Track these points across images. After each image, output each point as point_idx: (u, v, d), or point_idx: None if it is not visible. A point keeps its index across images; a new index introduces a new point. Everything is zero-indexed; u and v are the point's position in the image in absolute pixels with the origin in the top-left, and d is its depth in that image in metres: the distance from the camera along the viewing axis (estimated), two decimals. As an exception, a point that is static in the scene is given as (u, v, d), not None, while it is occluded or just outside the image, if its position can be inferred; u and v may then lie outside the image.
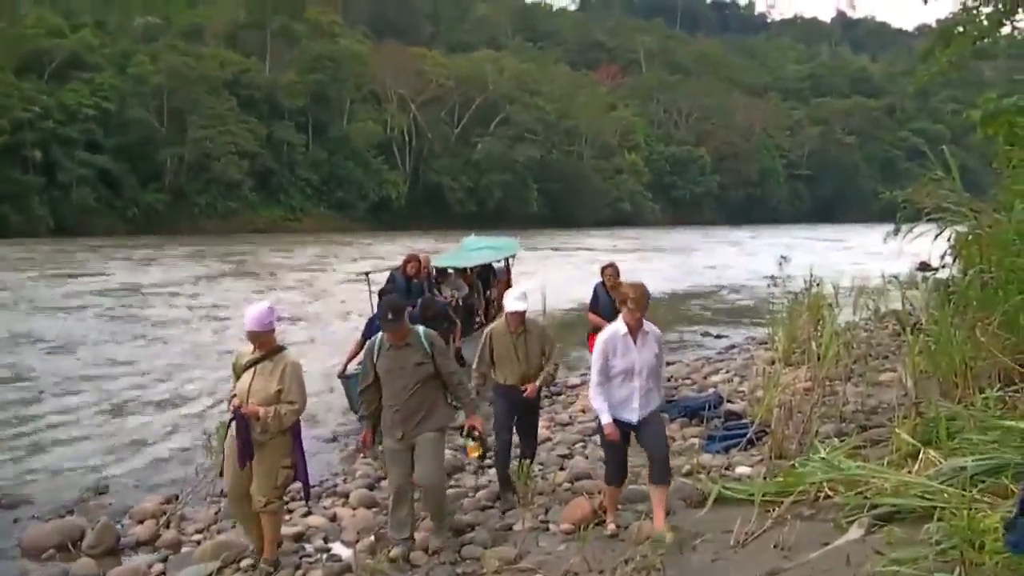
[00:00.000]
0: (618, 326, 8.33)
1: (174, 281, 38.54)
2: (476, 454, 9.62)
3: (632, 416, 8.30)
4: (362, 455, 13.15)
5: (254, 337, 8.20)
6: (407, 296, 15.98)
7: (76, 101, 76.61)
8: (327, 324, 26.66)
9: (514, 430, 10.37)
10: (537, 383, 10.19)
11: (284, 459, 8.37)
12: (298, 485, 8.98)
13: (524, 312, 10.12)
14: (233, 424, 8.14)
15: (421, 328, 8.89)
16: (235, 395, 8.19)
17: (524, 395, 10.06)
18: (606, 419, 8.21)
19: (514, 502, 10.05)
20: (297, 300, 32.29)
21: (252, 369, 8.22)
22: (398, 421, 8.59)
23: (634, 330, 8.27)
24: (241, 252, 55.27)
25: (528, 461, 10.49)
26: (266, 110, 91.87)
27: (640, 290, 8.28)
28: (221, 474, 8.79)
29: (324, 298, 32.96)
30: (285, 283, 39.07)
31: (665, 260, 56.15)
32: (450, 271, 19.77)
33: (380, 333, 8.82)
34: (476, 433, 9.10)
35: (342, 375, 14.85)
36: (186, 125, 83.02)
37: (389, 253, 42.47)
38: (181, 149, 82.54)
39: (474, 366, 10.39)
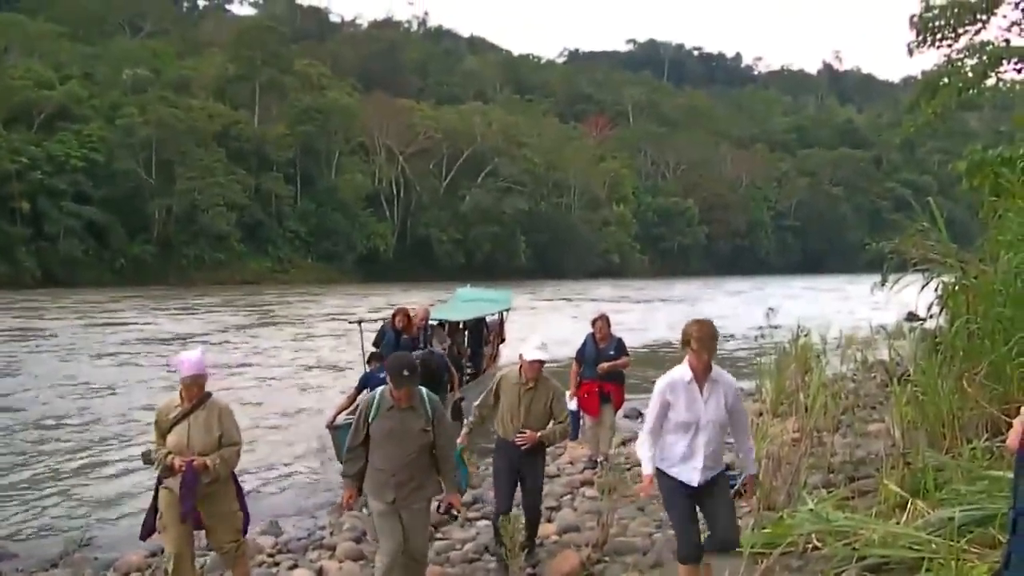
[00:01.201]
0: (682, 371, 7.22)
1: (179, 332, 38.45)
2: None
3: (693, 477, 7.21)
4: (348, 509, 13.12)
5: (193, 382, 8.07)
6: (395, 350, 16.00)
7: (64, 152, 76.80)
8: (326, 373, 26.59)
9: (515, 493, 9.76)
10: (538, 435, 9.41)
11: (234, 503, 8.37)
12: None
13: (543, 363, 9.54)
14: (175, 481, 8.04)
15: (424, 390, 8.21)
16: (168, 452, 7.99)
17: (520, 443, 9.34)
18: (647, 469, 7.28)
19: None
20: (318, 347, 32.26)
21: (184, 422, 8.09)
22: (392, 486, 7.94)
23: (700, 376, 7.14)
24: (260, 303, 55.20)
25: (526, 533, 9.58)
26: (255, 162, 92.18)
27: (706, 328, 7.16)
28: (146, 536, 8.55)
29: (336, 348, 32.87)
30: (314, 331, 38.99)
31: (665, 310, 56.25)
32: (435, 324, 19.75)
33: (379, 389, 8.16)
34: (454, 512, 8.79)
35: (331, 426, 14.84)
36: (174, 177, 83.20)
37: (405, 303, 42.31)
38: (169, 200, 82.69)
39: (475, 404, 10.02)
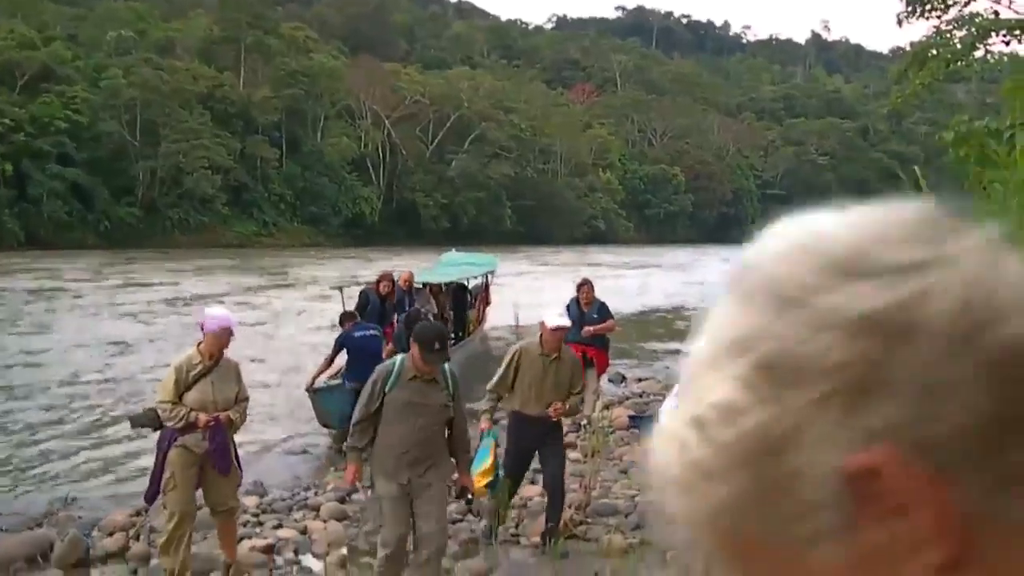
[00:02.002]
0: None
1: (173, 296, 38.37)
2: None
3: None
4: (334, 468, 13.18)
5: (224, 334, 8.22)
6: (381, 316, 16.00)
7: (48, 114, 76.24)
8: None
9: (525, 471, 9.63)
10: (565, 406, 9.09)
11: (235, 460, 8.55)
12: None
13: (566, 331, 9.30)
14: (194, 439, 8.11)
15: (447, 364, 7.70)
16: (191, 409, 8.06)
17: (549, 414, 9.00)
18: None
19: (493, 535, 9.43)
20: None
21: (208, 378, 8.20)
22: (405, 465, 7.46)
23: None
24: (246, 267, 55.06)
25: (552, 524, 9.17)
26: (240, 125, 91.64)
27: None
28: (151, 498, 8.64)
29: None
30: (298, 295, 38.91)
31: (659, 276, 56.39)
32: (420, 286, 19.73)
33: (398, 357, 7.74)
34: (468, 496, 8.47)
35: (310, 389, 14.88)
36: (159, 139, 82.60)
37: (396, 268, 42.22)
38: (154, 163, 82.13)
39: (491, 385, 9.39)
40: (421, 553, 7.60)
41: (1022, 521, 0.59)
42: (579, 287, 14.59)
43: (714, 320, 0.69)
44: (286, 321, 30.70)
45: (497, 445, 9.16)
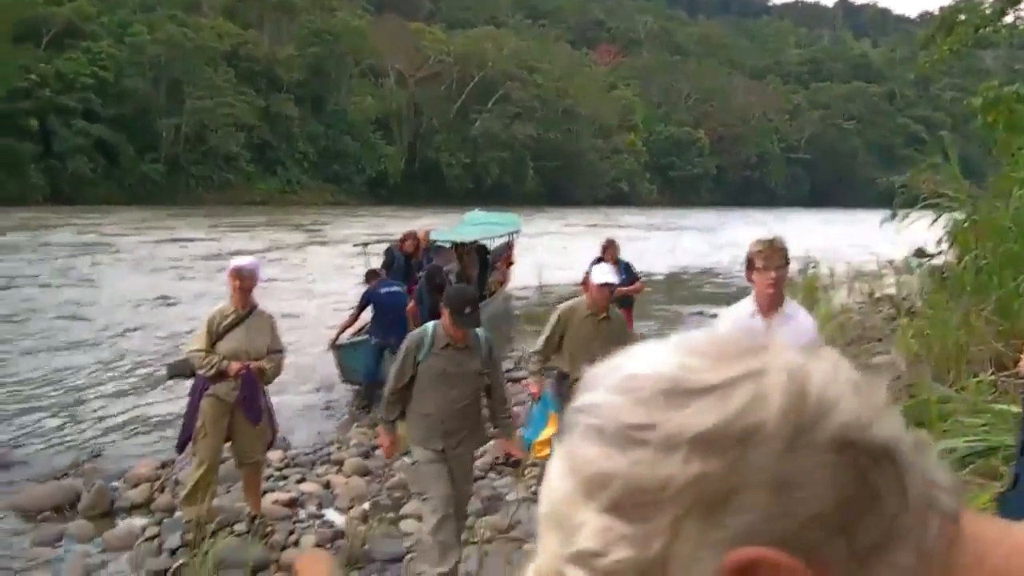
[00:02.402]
0: (745, 304, 6.13)
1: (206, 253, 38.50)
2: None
3: None
4: (357, 424, 13.27)
5: (251, 276, 8.36)
6: (405, 273, 16.03)
7: (73, 70, 76.20)
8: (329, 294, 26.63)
9: None
10: None
11: (267, 416, 8.65)
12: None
13: (614, 288, 8.88)
14: (225, 388, 8.21)
15: (480, 330, 7.35)
16: (223, 357, 8.19)
17: None
18: None
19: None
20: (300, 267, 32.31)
21: (240, 327, 8.30)
22: (439, 435, 7.18)
23: (767, 308, 5.94)
24: (273, 224, 55.15)
25: None
26: (264, 83, 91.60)
27: (774, 245, 5.92)
28: (182, 446, 8.75)
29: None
30: (324, 253, 39.01)
31: (686, 237, 56.24)
32: (444, 245, 19.74)
33: (429, 325, 7.34)
34: (512, 460, 8.24)
35: (334, 345, 14.96)
36: (183, 96, 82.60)
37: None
38: (178, 120, 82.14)
39: (536, 347, 8.99)
40: (459, 506, 7.47)
41: None
42: (604, 247, 14.52)
43: (570, 457, 0.70)
44: (317, 277, 30.76)
45: (554, 408, 8.53)
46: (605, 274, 8.73)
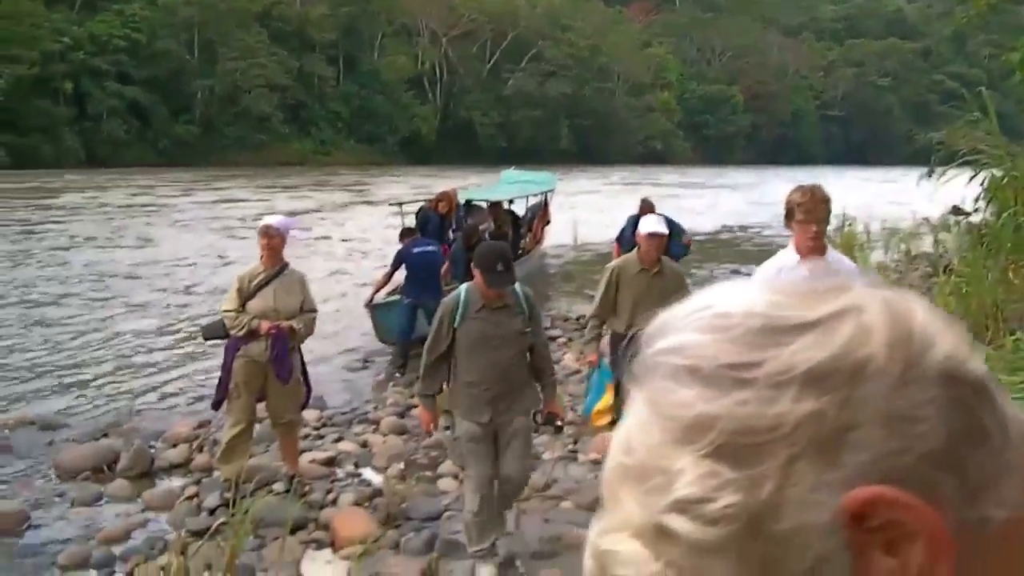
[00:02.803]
0: (786, 255, 5.82)
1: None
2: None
3: None
4: (393, 383, 13.32)
5: (278, 233, 8.37)
6: (440, 234, 16.02)
7: (106, 32, 76.41)
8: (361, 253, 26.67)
9: None
10: None
11: (299, 374, 8.68)
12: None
13: (665, 237, 8.45)
14: (258, 347, 8.26)
15: (519, 286, 6.87)
16: (253, 316, 8.23)
17: None
18: None
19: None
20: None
21: (269, 286, 8.33)
22: (486, 402, 6.69)
23: (809, 259, 5.57)
24: (306, 184, 55.29)
25: None
26: (296, 43, 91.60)
27: (816, 193, 5.61)
28: (217, 405, 8.80)
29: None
30: (358, 213, 39.09)
31: (725, 195, 56.00)
32: (480, 204, 19.71)
33: (463, 287, 6.88)
34: (558, 422, 7.70)
35: (369, 304, 14.99)
36: (216, 57, 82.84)
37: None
38: (211, 81, 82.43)
39: (592, 310, 8.71)
40: (502, 488, 6.97)
41: (995, 527, 0.60)
42: (641, 208, 14.28)
43: (657, 402, 0.68)
44: (354, 236, 30.81)
45: (615, 382, 8.24)
46: (654, 224, 8.34)
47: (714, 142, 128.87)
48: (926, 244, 18.36)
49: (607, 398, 8.11)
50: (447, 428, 7.58)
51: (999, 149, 12.90)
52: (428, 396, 7.07)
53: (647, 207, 14.10)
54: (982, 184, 13.75)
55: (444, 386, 7.19)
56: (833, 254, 5.66)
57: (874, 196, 40.40)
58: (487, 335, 6.61)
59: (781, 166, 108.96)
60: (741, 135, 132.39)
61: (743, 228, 38.73)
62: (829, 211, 5.61)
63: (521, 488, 7.25)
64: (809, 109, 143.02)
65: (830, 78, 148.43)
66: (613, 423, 7.51)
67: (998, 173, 13.12)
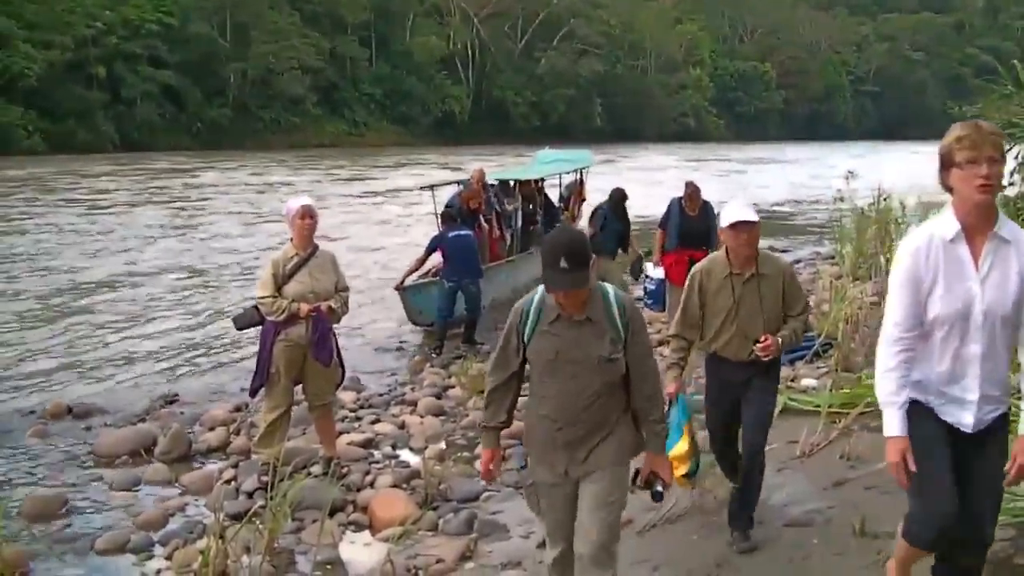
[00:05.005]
0: (942, 224, 4.20)
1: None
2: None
3: (963, 416, 4.27)
4: (430, 364, 13.32)
5: (307, 223, 8.34)
6: (472, 226, 15.88)
7: (139, 16, 76.39)
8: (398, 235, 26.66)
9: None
10: (779, 336, 6.08)
11: (336, 356, 8.67)
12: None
13: (757, 227, 6.10)
14: (298, 330, 8.27)
15: (611, 289, 4.95)
16: (292, 300, 8.20)
17: (761, 352, 6.00)
18: (893, 428, 4.20)
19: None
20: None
21: (305, 269, 8.33)
22: (559, 446, 4.90)
23: (975, 229, 4.12)
24: (338, 165, 55.36)
25: (740, 494, 6.43)
26: (328, 24, 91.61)
27: (983, 129, 4.06)
28: (255, 392, 8.79)
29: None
30: (391, 195, 39.11)
31: (777, 171, 55.69)
32: (506, 183, 19.60)
33: (535, 295, 4.89)
34: (659, 488, 5.12)
35: (400, 287, 15.02)
36: (249, 40, 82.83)
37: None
38: (244, 64, 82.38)
39: (674, 329, 6.55)
40: (576, 550, 5.01)
41: None
42: (688, 194, 13.20)
43: None
44: (390, 219, 30.85)
45: (693, 421, 6.50)
46: (737, 211, 6.07)
47: (747, 119, 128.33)
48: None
49: (682, 444, 6.28)
50: (522, 467, 5.58)
51: (1034, 122, 12.72)
52: (491, 429, 5.22)
53: (694, 196, 13.13)
54: (1016, 158, 13.59)
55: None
56: (1008, 224, 4.14)
57: (909, 170, 40.06)
58: (561, 356, 4.79)
59: (815, 141, 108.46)
60: (774, 111, 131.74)
61: (787, 204, 38.55)
62: (1003, 152, 4.11)
63: (596, 559, 4.86)
64: (842, 84, 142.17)
65: (863, 53, 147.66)
66: (688, 475, 6.35)
67: (1033, 147, 12.97)
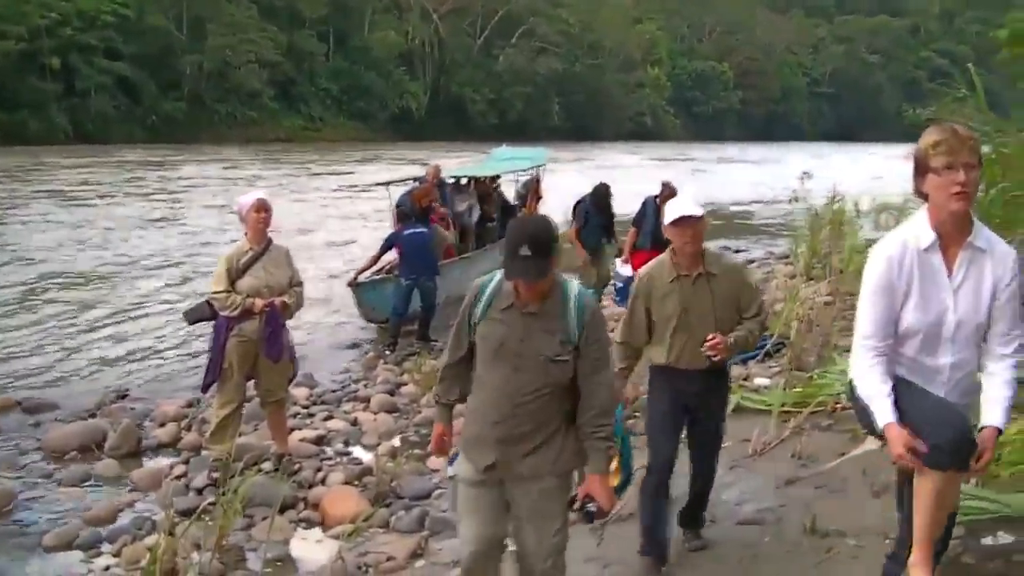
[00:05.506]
0: (915, 230, 4.11)
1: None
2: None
3: None
4: (383, 361, 13.30)
5: (260, 217, 8.33)
6: (425, 223, 15.84)
7: (94, 7, 75.43)
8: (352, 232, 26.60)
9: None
10: (729, 339, 5.67)
11: (289, 352, 8.67)
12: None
13: (702, 222, 5.69)
14: (251, 326, 8.22)
15: (577, 288, 4.64)
16: (245, 295, 8.18)
17: (709, 351, 5.60)
18: (887, 415, 4.04)
19: None
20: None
21: (259, 263, 8.31)
22: (492, 440, 4.59)
23: (951, 238, 4.05)
24: (297, 160, 55.12)
25: (690, 506, 6.28)
26: (286, 18, 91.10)
27: (960, 133, 3.92)
28: (207, 387, 8.75)
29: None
30: (346, 193, 38.97)
31: (739, 171, 55.91)
32: (454, 181, 19.56)
33: (494, 276, 4.69)
34: (592, 507, 4.64)
35: (353, 283, 15.01)
36: (206, 33, 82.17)
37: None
38: (200, 57, 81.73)
39: (620, 336, 6.00)
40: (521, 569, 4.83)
41: None
42: (663, 192, 13.08)
43: None
44: (346, 214, 30.76)
45: (627, 435, 5.93)
46: (680, 207, 5.68)
47: (704, 118, 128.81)
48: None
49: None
50: (452, 459, 5.09)
51: (987, 125, 12.88)
52: (442, 405, 5.05)
53: (668, 192, 12.66)
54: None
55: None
56: (983, 231, 4.06)
57: (863, 172, 40.42)
58: (507, 346, 4.51)
59: (772, 142, 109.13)
60: (731, 111, 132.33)
61: (742, 204, 38.74)
62: (979, 158, 3.94)
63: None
64: (799, 86, 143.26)
65: (819, 55, 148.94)
66: (616, 491, 5.54)
67: (986, 149, 13.10)
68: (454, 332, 4.83)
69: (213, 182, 41.11)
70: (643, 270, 6.03)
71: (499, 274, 4.60)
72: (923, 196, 4.02)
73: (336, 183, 42.75)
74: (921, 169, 3.96)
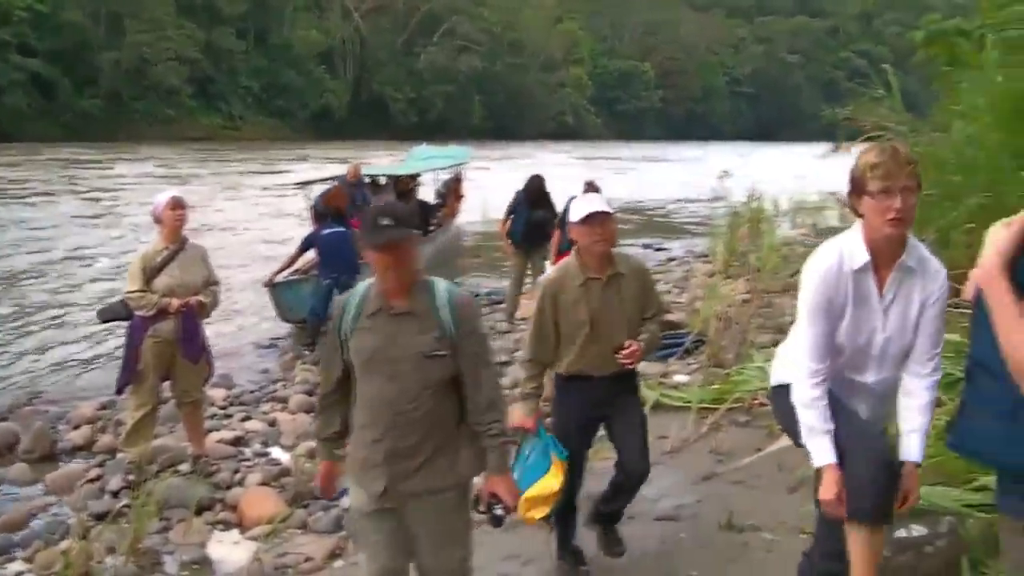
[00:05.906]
0: (849, 247, 3.99)
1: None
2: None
3: None
4: (301, 362, 13.20)
5: (176, 216, 8.19)
6: (341, 224, 15.73)
7: (8, 2, 74.46)
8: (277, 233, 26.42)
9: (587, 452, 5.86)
10: (639, 344, 5.43)
11: (205, 352, 8.57)
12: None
13: (612, 219, 5.44)
14: (167, 326, 8.13)
15: (443, 284, 4.32)
16: (161, 294, 8.04)
17: (626, 360, 5.38)
18: (826, 456, 4.00)
19: None
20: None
21: (174, 263, 8.18)
22: (379, 460, 4.21)
23: (883, 257, 3.95)
24: (214, 159, 54.57)
25: (609, 505, 5.90)
26: (205, 16, 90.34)
27: (897, 153, 3.79)
28: (122, 389, 8.53)
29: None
30: (262, 192, 38.61)
31: (659, 170, 56.10)
32: (380, 181, 19.52)
33: (362, 284, 4.34)
34: (499, 509, 4.40)
35: (269, 284, 14.91)
36: (123, 29, 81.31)
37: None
38: (118, 54, 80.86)
39: (526, 352, 5.70)
40: None
41: None
42: (586, 191, 13.27)
43: None
44: (262, 214, 30.53)
45: (560, 454, 5.57)
46: (588, 203, 5.41)
47: (626, 117, 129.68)
48: (833, 218, 18.55)
49: (550, 481, 5.49)
50: (342, 493, 5.04)
51: (903, 125, 13.07)
52: (323, 441, 4.66)
53: (591, 191, 11.99)
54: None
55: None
56: (917, 248, 3.97)
57: (781, 171, 40.88)
58: (379, 356, 4.17)
59: (692, 141, 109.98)
60: (652, 110, 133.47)
61: (660, 203, 38.96)
62: (919, 181, 3.83)
63: None
64: (719, 85, 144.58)
65: (740, 55, 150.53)
66: (548, 517, 5.63)
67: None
68: (324, 357, 4.55)
69: (147, 180, 40.58)
70: (546, 278, 5.82)
71: (363, 286, 4.31)
72: (858, 214, 3.95)
73: (264, 182, 42.41)
74: (857, 189, 3.88)
